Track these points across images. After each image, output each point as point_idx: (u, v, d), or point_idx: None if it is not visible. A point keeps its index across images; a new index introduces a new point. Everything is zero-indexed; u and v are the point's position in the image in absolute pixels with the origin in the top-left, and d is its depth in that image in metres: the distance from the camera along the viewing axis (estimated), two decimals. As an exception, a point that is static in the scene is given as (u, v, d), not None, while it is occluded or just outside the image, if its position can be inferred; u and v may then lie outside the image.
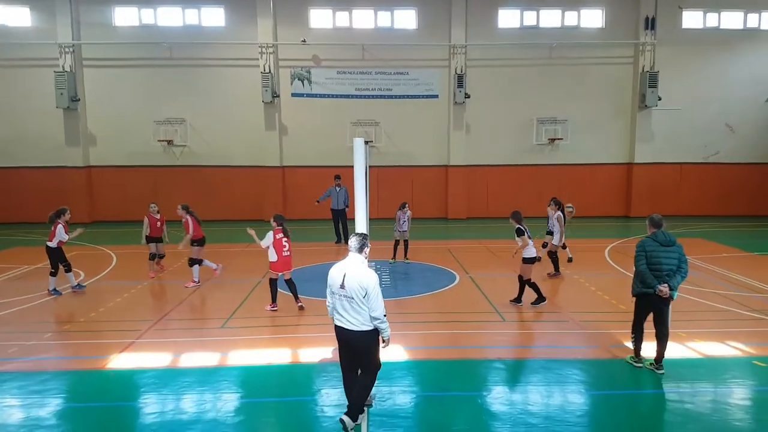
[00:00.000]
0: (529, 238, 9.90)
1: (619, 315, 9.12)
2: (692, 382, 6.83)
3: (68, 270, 11.12)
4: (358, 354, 5.55)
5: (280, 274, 9.77)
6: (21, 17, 20.90)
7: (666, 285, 6.76)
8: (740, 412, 6.10)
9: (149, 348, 8.06)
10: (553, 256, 12.14)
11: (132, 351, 7.91)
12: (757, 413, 6.14)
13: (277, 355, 7.69)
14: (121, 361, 7.56)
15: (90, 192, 21.59)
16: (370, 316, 5.36)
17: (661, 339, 7.06)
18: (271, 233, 9.63)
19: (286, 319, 9.34)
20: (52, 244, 10.88)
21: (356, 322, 5.38)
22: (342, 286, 5.35)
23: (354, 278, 5.33)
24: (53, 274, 10.92)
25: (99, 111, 21.39)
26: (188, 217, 11.55)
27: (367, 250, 5.59)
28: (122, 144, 21.48)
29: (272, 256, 9.66)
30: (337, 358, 5.81)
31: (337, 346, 5.76)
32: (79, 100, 20.86)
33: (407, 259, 13.86)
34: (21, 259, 14.41)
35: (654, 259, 6.86)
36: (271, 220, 9.84)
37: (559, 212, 11.95)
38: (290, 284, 9.90)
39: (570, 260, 13.40)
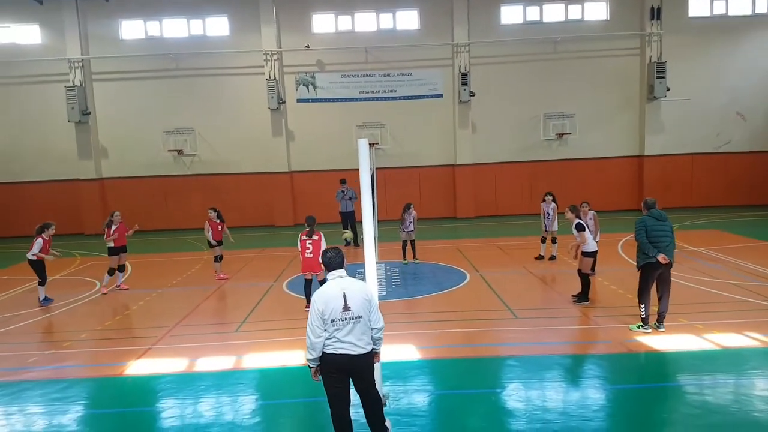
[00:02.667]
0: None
1: (633, 309, 9.03)
2: (710, 374, 6.74)
3: (41, 284, 11.18)
4: (364, 379, 4.93)
5: (311, 274, 9.86)
6: (31, 35, 21.30)
7: (663, 255, 7.78)
8: (761, 403, 5.99)
9: (165, 354, 8.17)
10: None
11: (149, 357, 8.02)
12: (777, 403, 6.03)
13: (292, 357, 7.75)
14: (138, 367, 7.66)
15: (103, 203, 21.88)
16: (373, 329, 4.86)
17: (664, 299, 8.10)
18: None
19: (299, 322, 9.39)
20: (29, 255, 11.00)
21: (363, 343, 4.79)
22: (346, 308, 4.72)
23: (357, 294, 4.78)
24: (41, 284, 11.17)
25: (109, 123, 21.70)
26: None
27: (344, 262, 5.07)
28: (133, 155, 21.77)
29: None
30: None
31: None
32: (89, 113, 21.18)
33: (416, 259, 13.87)
34: (38, 271, 14.60)
35: (653, 232, 7.89)
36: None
37: (593, 211, 11.63)
38: (307, 286, 9.96)
39: (552, 258, 13.46)
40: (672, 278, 8.15)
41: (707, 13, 21.43)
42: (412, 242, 13.81)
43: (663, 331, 8.07)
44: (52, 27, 21.10)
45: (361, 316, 4.78)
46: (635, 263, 8.21)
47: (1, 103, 21.45)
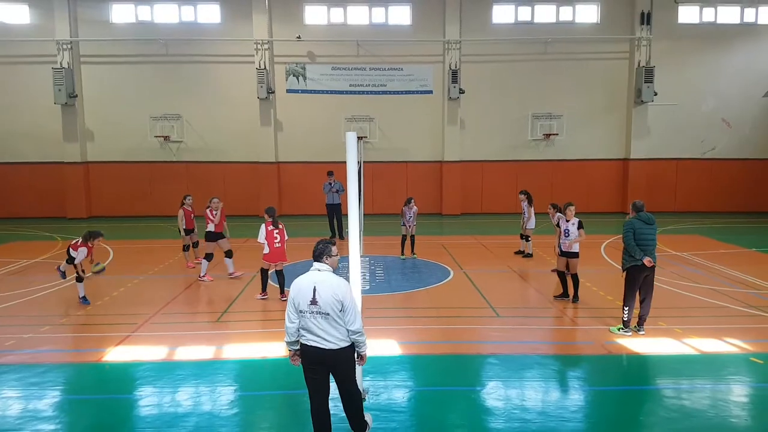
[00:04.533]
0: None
1: (614, 311, 9.17)
2: (688, 378, 6.80)
3: (79, 280, 10.19)
4: (338, 374, 4.92)
5: (272, 264, 10.02)
6: (19, 14, 20.92)
7: (648, 258, 7.85)
8: (737, 409, 6.06)
9: (145, 341, 8.11)
10: None
11: (128, 344, 7.96)
12: (755, 410, 6.10)
13: (272, 349, 7.73)
14: (117, 354, 7.60)
15: (87, 187, 21.62)
16: (348, 330, 4.78)
17: (646, 302, 8.17)
18: (263, 226, 9.94)
19: (280, 313, 9.36)
20: (74, 255, 9.95)
21: (334, 339, 4.75)
22: (313, 302, 4.70)
23: (327, 291, 4.71)
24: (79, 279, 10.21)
25: (96, 107, 21.39)
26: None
27: (333, 258, 4.97)
28: (119, 140, 21.49)
29: (265, 248, 9.94)
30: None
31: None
32: (76, 96, 20.87)
33: (414, 255, 13.82)
34: (19, 253, 14.42)
35: (641, 235, 7.95)
36: (264, 213, 10.07)
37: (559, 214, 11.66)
38: (279, 275, 10.08)
39: (528, 255, 13.78)
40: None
41: (696, 20, 21.64)
42: (412, 237, 13.78)
43: (643, 335, 8.16)
44: (41, 7, 20.68)
45: (328, 313, 4.72)
46: (621, 265, 8.27)
47: (-15, 82, 21.03)
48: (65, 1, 20.50)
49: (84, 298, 10.12)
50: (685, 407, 6.08)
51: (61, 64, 20.48)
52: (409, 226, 13.64)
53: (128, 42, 20.97)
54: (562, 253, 9.92)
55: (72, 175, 21.27)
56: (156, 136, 21.31)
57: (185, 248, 13.00)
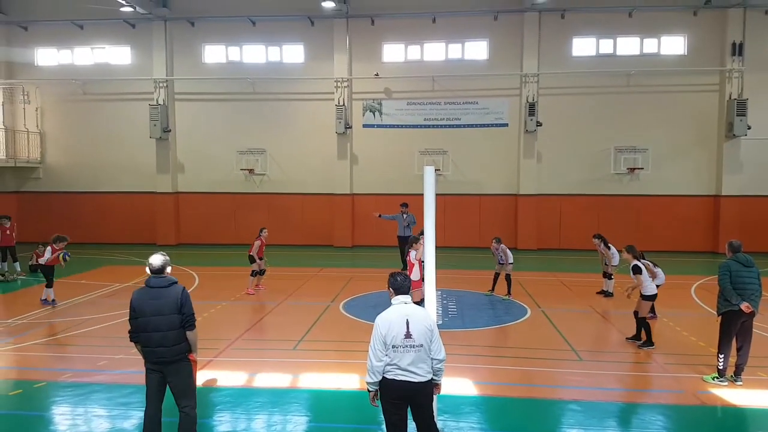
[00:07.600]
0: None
1: (708, 358, 8.51)
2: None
3: (48, 286, 12.14)
4: (424, 408, 4.87)
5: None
6: (123, 56, 22.89)
7: (746, 303, 7.30)
8: None
9: (225, 367, 8.37)
10: None
11: (210, 369, 8.23)
12: None
13: (347, 380, 7.76)
14: (199, 378, 7.83)
15: (177, 216, 22.94)
16: (434, 359, 4.80)
17: (744, 350, 7.60)
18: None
19: (355, 345, 9.40)
20: (42, 260, 12.00)
21: (423, 372, 4.74)
22: (408, 336, 4.70)
23: (420, 323, 4.76)
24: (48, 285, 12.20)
25: (187, 141, 22.83)
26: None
27: None
28: (207, 172, 22.75)
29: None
30: None
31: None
32: (170, 131, 22.39)
33: (507, 296, 12.96)
34: (112, 277, 15.41)
35: (738, 278, 7.44)
36: None
37: (645, 261, 11.02)
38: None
39: (609, 294, 13.19)
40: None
41: (795, 49, 20.36)
42: (507, 276, 13.07)
43: (740, 385, 7.53)
44: (142, 49, 22.56)
45: (422, 345, 4.75)
46: (715, 310, 7.73)
47: (91, 118, 23.04)
48: (163, 44, 22.24)
49: (46, 300, 12.05)
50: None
51: (157, 101, 22.12)
52: (502, 264, 13.09)
53: (218, 81, 22.37)
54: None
55: (163, 204, 22.70)
56: (242, 169, 22.39)
57: (253, 274, 13.62)
